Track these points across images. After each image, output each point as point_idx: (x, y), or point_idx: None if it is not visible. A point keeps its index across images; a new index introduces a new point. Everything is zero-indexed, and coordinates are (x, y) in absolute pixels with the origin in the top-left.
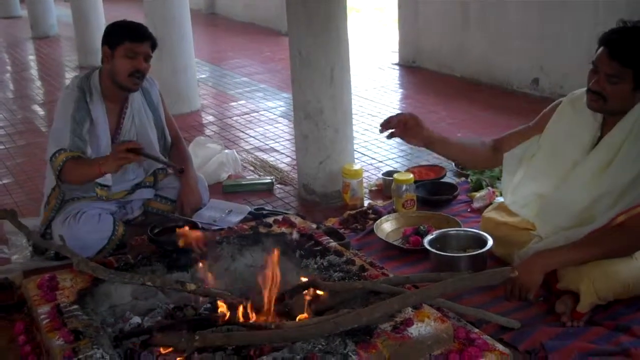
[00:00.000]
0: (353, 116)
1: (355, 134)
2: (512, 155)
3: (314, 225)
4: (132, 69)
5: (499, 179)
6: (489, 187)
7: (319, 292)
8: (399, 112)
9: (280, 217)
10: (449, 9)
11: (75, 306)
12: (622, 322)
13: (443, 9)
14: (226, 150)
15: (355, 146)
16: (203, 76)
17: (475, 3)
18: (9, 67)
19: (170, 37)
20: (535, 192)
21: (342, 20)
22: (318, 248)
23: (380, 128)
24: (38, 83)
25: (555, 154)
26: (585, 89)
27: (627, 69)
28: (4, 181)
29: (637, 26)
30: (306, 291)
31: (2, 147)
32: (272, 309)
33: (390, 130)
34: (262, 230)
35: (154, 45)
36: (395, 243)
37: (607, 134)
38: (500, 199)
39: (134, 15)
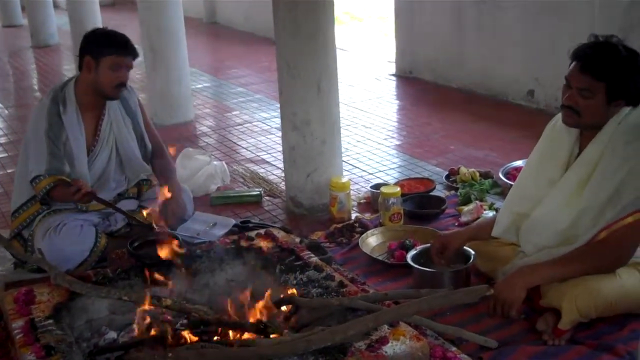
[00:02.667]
0: (346, 128)
1: (347, 146)
2: None
3: (297, 239)
4: (117, 81)
5: (488, 191)
6: (477, 201)
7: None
8: (437, 235)
9: (262, 231)
10: (446, 20)
11: (50, 321)
12: (604, 341)
13: (439, 20)
14: (215, 162)
15: (346, 158)
16: (199, 86)
17: (472, 14)
18: (8, 77)
19: (164, 46)
20: (515, 212)
21: (330, 30)
22: (298, 263)
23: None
24: (37, 93)
25: (534, 174)
26: None
27: (599, 83)
28: None
29: (608, 41)
30: (283, 307)
31: None
32: (248, 325)
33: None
34: (243, 244)
35: (135, 57)
36: (380, 257)
37: (584, 150)
38: (488, 213)
39: (131, 23)
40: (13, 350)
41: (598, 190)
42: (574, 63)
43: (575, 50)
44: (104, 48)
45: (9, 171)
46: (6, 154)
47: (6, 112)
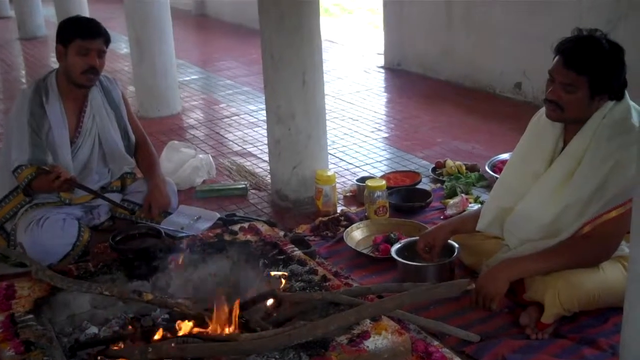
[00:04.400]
0: (333, 120)
1: (334, 139)
2: None
3: (281, 233)
4: (86, 66)
5: (474, 184)
6: (463, 194)
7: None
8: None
9: (246, 225)
10: (434, 12)
11: (30, 316)
12: (587, 335)
13: (428, 12)
14: (200, 155)
15: (333, 151)
16: (187, 78)
17: (460, 6)
18: None
19: (150, 38)
20: (499, 206)
21: (315, 22)
22: (282, 257)
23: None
24: (24, 86)
25: (519, 169)
26: None
27: (582, 77)
28: None
29: (591, 35)
30: (265, 302)
31: None
32: (230, 320)
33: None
34: (227, 238)
35: (107, 41)
36: (364, 251)
37: (569, 144)
38: (473, 206)
39: (119, 15)
40: None
41: (582, 185)
42: (557, 57)
43: (558, 45)
44: (70, 34)
45: None
46: None
47: None
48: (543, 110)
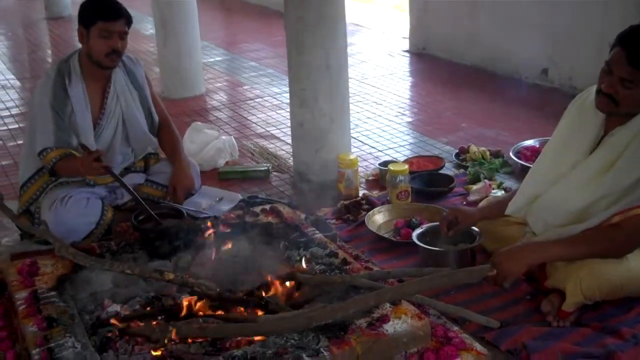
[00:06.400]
0: (357, 104)
1: (357, 122)
2: None
3: (303, 216)
4: (108, 49)
5: (498, 170)
6: (486, 180)
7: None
8: (444, 212)
9: (268, 207)
10: None
11: (53, 292)
12: (609, 324)
13: None
14: (224, 137)
15: (356, 134)
16: (211, 60)
17: None
18: (22, 48)
19: (175, 19)
20: (533, 194)
21: (340, 5)
22: (302, 239)
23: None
24: (49, 65)
25: (556, 156)
26: (591, 88)
27: None
28: (3, 162)
29: None
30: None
31: (4, 128)
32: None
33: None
34: (248, 219)
35: (129, 22)
36: (386, 235)
37: (610, 133)
38: (496, 192)
39: None
40: (16, 321)
41: (621, 177)
42: (618, 49)
43: (621, 37)
44: (91, 16)
45: (19, 142)
46: (17, 125)
47: (18, 83)
48: (584, 96)
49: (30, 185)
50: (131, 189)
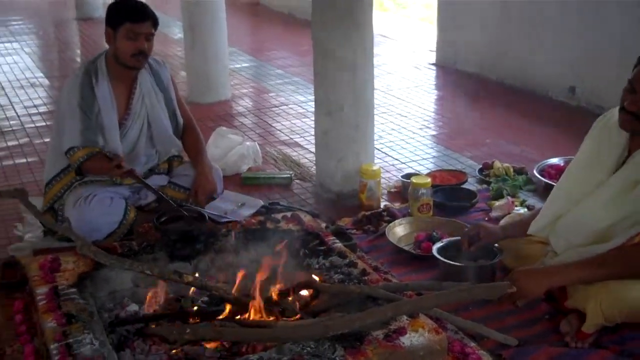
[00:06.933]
0: (381, 115)
1: (381, 133)
2: None
3: (323, 224)
4: (134, 50)
5: (521, 188)
6: (509, 197)
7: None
8: (465, 227)
9: (289, 214)
10: (489, 11)
11: (73, 289)
12: (629, 347)
13: (483, 10)
14: (248, 143)
15: (379, 146)
16: (238, 66)
17: (516, 6)
18: (52, 47)
19: (203, 24)
20: (556, 214)
21: (368, 15)
22: (322, 248)
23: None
24: (78, 65)
25: (580, 176)
26: (615, 108)
27: None
28: (29, 159)
29: None
30: (303, 291)
31: (32, 125)
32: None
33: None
34: (269, 225)
35: (155, 24)
36: (406, 248)
37: (633, 153)
38: (519, 210)
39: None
40: (35, 315)
41: None
42: None
43: None
44: (118, 17)
45: (45, 140)
46: (44, 123)
47: (47, 82)
48: (607, 116)
49: (56, 182)
50: (155, 189)
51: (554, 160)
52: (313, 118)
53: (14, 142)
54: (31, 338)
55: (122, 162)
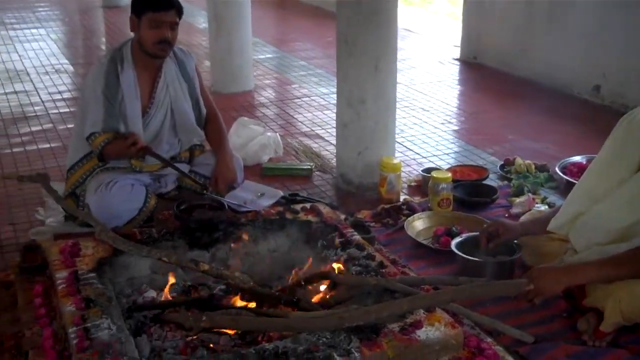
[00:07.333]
0: (403, 109)
1: (403, 127)
2: None
3: (342, 216)
4: (158, 38)
5: (542, 185)
6: (530, 194)
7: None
8: (485, 223)
9: (308, 205)
10: (515, 7)
11: (92, 274)
12: None
13: (508, 7)
14: (269, 133)
15: (401, 139)
16: (262, 57)
17: (541, 3)
18: (77, 34)
19: (228, 14)
20: (577, 211)
21: (392, 9)
22: (340, 240)
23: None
24: (103, 52)
25: (602, 174)
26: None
27: None
28: (52, 145)
29: None
30: (320, 282)
31: (55, 111)
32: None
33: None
34: (288, 216)
35: (179, 12)
36: (424, 242)
37: None
38: (540, 207)
39: None
40: (55, 299)
41: None
42: None
43: None
44: (142, 5)
45: (69, 126)
46: (68, 109)
47: (72, 68)
48: (632, 115)
49: (78, 168)
50: (172, 164)
51: (577, 158)
52: (334, 110)
53: (38, 128)
54: (50, 321)
55: (138, 139)
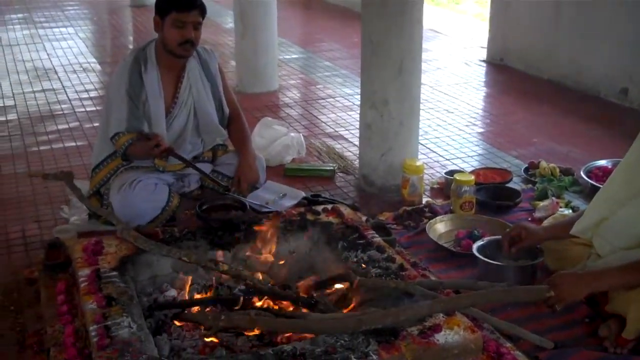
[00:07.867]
0: (428, 111)
1: (427, 129)
2: None
3: (364, 218)
4: (181, 39)
5: (567, 189)
6: (554, 198)
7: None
8: (507, 226)
9: (330, 206)
10: (541, 9)
11: (115, 272)
12: None
13: (535, 8)
14: (292, 134)
15: (424, 141)
16: (287, 57)
17: (569, 5)
18: (105, 33)
19: (254, 14)
20: (601, 216)
21: (418, 10)
22: (361, 241)
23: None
24: (129, 51)
25: (627, 178)
26: None
27: None
28: (78, 143)
29: None
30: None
31: (82, 110)
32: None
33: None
34: (309, 217)
35: (203, 12)
36: (445, 245)
37: None
38: (563, 211)
39: None
40: (77, 297)
41: None
42: None
43: None
44: (166, 6)
45: (95, 125)
46: (94, 108)
47: (99, 67)
48: None
49: (102, 167)
50: (195, 165)
51: (602, 162)
52: (358, 112)
53: (65, 126)
54: (72, 319)
55: (161, 141)
